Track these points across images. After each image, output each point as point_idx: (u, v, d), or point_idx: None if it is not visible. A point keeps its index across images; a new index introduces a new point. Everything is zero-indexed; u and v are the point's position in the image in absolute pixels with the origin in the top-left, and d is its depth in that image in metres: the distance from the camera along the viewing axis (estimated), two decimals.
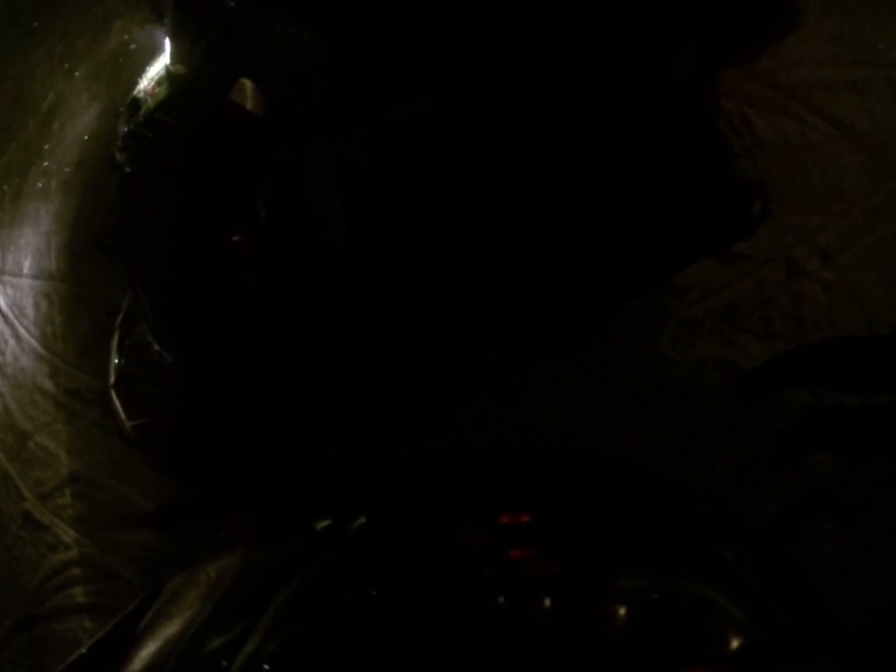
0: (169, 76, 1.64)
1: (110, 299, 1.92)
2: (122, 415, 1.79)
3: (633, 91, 0.77)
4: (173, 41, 1.63)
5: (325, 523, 0.70)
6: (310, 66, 1.46)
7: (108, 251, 1.93)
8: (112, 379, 1.82)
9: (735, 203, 0.99)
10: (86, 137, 2.31)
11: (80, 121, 2.37)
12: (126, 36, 2.39)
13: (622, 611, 0.50)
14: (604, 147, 0.80)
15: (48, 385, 2.23)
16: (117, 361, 1.83)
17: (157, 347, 1.37)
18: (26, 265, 2.39)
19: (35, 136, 2.58)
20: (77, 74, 2.53)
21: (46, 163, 2.46)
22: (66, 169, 2.34)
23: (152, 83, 1.71)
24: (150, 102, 1.69)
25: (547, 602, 0.49)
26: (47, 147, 2.49)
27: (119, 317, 1.81)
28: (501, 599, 0.49)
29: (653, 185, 0.88)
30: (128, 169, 1.79)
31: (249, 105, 1.21)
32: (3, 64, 2.78)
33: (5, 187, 2.57)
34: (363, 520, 0.68)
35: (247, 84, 1.23)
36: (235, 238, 1.27)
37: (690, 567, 0.58)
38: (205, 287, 1.26)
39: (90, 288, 2.12)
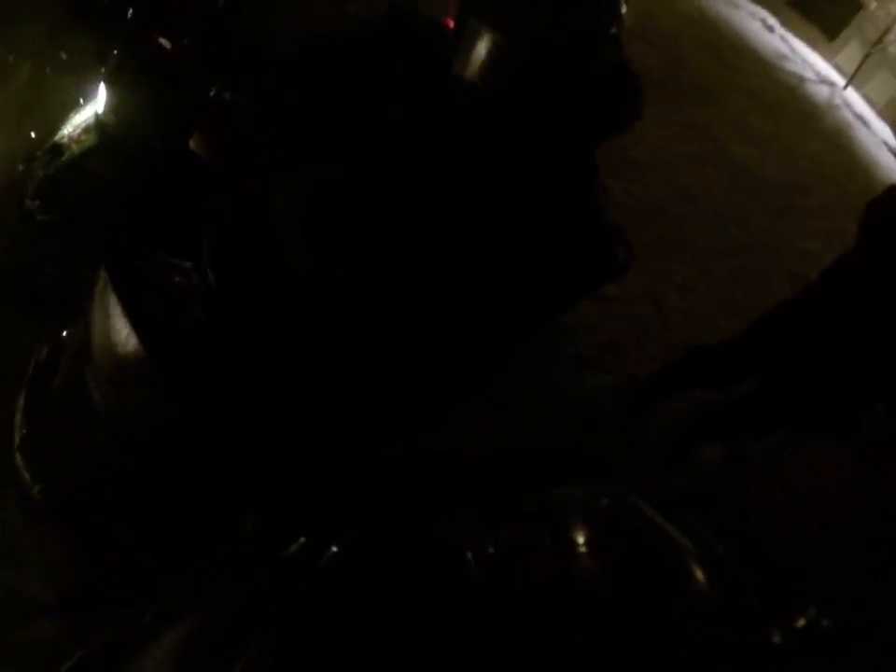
0: (99, 124, 1.62)
1: (20, 356, 1.76)
2: (28, 479, 1.62)
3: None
4: (109, 87, 1.61)
5: (295, 546, 0.66)
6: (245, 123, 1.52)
7: (26, 300, 1.78)
8: (17, 440, 1.66)
9: (602, 251, 1.14)
10: None
11: None
12: (32, 80, 2.29)
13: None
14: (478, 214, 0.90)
15: None
16: (22, 420, 1.67)
17: (92, 393, 1.29)
18: None
19: None
20: None
21: None
22: None
23: (78, 130, 1.67)
24: (75, 149, 1.65)
25: (544, 599, 0.48)
26: None
27: (28, 374, 1.68)
28: (501, 600, 0.48)
29: (529, 241, 1.01)
30: (41, 217, 1.70)
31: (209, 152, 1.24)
32: None
33: None
34: (343, 542, 0.61)
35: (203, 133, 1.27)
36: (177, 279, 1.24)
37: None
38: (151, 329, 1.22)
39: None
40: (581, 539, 0.58)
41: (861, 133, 5.32)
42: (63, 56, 2.14)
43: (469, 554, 0.51)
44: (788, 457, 1.72)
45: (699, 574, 0.56)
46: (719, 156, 3.43)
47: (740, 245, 2.86)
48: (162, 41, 1.60)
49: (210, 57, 1.55)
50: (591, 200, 1.06)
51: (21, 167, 1.88)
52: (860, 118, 5.51)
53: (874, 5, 6.10)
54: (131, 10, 1.65)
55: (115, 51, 1.55)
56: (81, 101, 1.75)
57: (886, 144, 5.45)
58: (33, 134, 2.13)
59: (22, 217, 1.77)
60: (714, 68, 4.34)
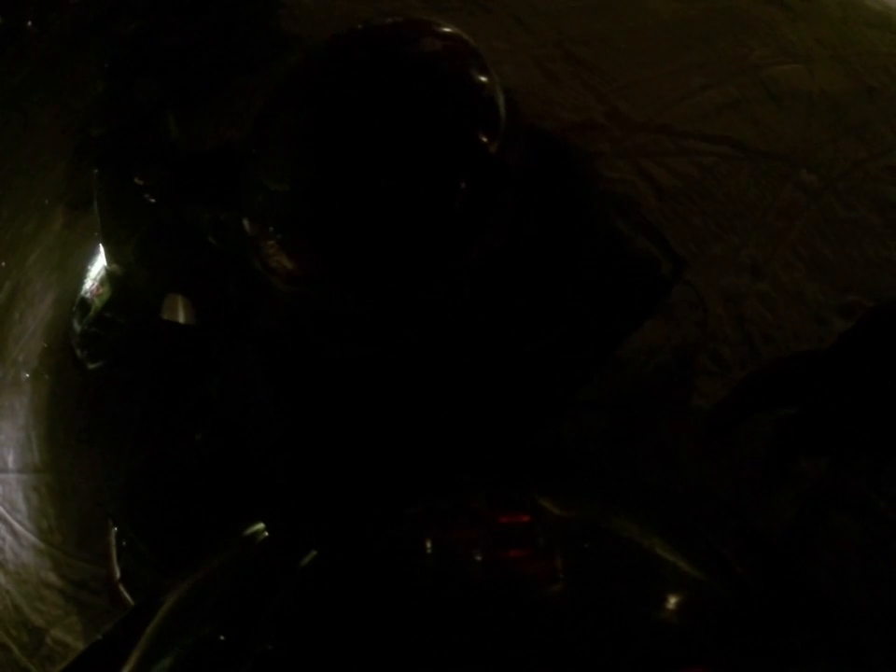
0: (109, 276, 1.69)
1: (98, 488, 1.93)
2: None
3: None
4: (104, 243, 1.68)
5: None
6: (231, 247, 1.51)
7: (87, 444, 1.94)
8: (118, 573, 1.81)
9: (639, 278, 1.01)
10: (46, 327, 2.35)
11: (39, 311, 2.42)
12: (69, 220, 2.47)
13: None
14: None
15: (52, 578, 2.21)
16: (117, 553, 1.82)
17: None
18: (10, 460, 2.40)
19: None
20: (28, 261, 2.59)
21: (12, 355, 2.49)
22: (33, 360, 2.37)
23: (95, 283, 1.75)
24: (97, 302, 1.73)
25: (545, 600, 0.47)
26: (10, 338, 2.52)
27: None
28: (500, 600, 0.46)
29: (569, 283, 0.91)
30: (90, 366, 1.82)
31: (182, 318, 1.25)
32: None
33: None
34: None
35: (176, 298, 1.27)
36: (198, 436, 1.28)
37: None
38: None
39: (76, 478, 2.12)
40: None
41: None
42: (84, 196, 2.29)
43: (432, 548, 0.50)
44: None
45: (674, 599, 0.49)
46: None
47: None
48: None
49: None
50: (608, 235, 0.95)
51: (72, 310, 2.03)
52: None
53: None
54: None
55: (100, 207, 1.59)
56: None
57: None
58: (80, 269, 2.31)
59: (76, 365, 1.90)
60: None
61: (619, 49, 3.70)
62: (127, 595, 1.82)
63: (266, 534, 0.80)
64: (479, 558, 0.51)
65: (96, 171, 1.67)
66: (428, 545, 0.52)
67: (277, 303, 0.93)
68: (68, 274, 2.33)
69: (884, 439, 1.33)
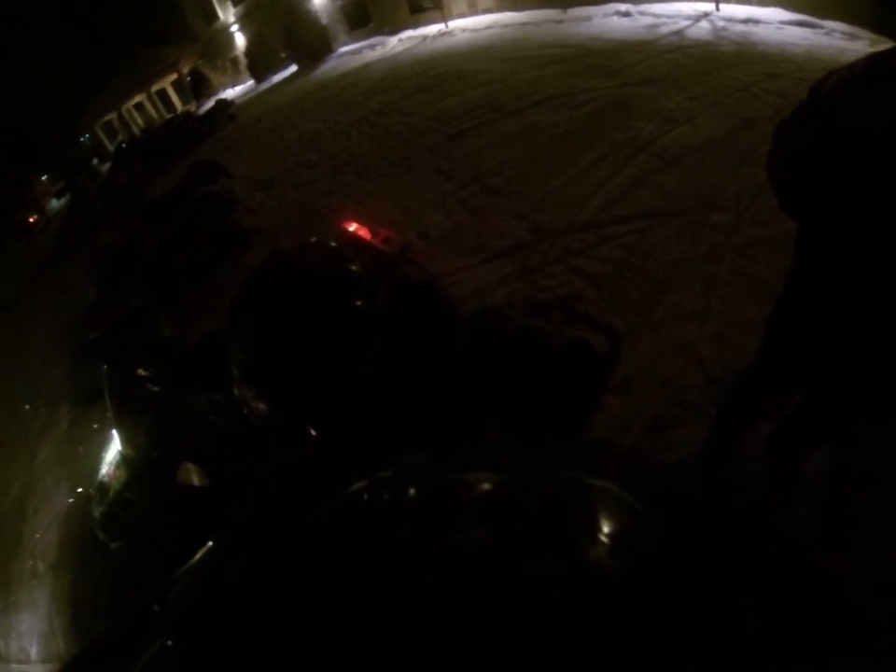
0: (124, 459, 1.93)
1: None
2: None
3: None
4: (118, 429, 1.94)
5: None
6: (228, 422, 1.79)
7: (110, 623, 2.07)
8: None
9: (574, 366, 1.19)
10: (62, 519, 2.52)
11: (53, 503, 2.60)
12: (75, 417, 2.71)
13: None
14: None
15: None
16: None
17: None
18: (33, 651, 2.46)
19: (13, 521, 2.77)
20: (37, 460, 2.80)
21: (28, 548, 2.63)
22: (51, 551, 2.52)
23: (112, 467, 1.99)
24: (115, 484, 1.96)
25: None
26: (25, 533, 2.68)
27: None
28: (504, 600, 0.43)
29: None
30: (112, 546, 2.00)
31: (196, 481, 1.50)
32: None
33: None
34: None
35: (189, 466, 1.53)
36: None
37: None
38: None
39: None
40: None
41: None
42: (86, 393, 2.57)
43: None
44: None
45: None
46: None
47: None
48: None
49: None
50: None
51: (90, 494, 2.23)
52: None
53: None
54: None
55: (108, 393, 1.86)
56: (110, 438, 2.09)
57: None
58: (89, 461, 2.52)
59: (97, 548, 2.07)
60: None
61: (527, 170, 4.18)
62: None
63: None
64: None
65: (105, 367, 1.96)
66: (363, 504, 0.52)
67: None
68: (80, 466, 2.54)
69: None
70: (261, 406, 0.77)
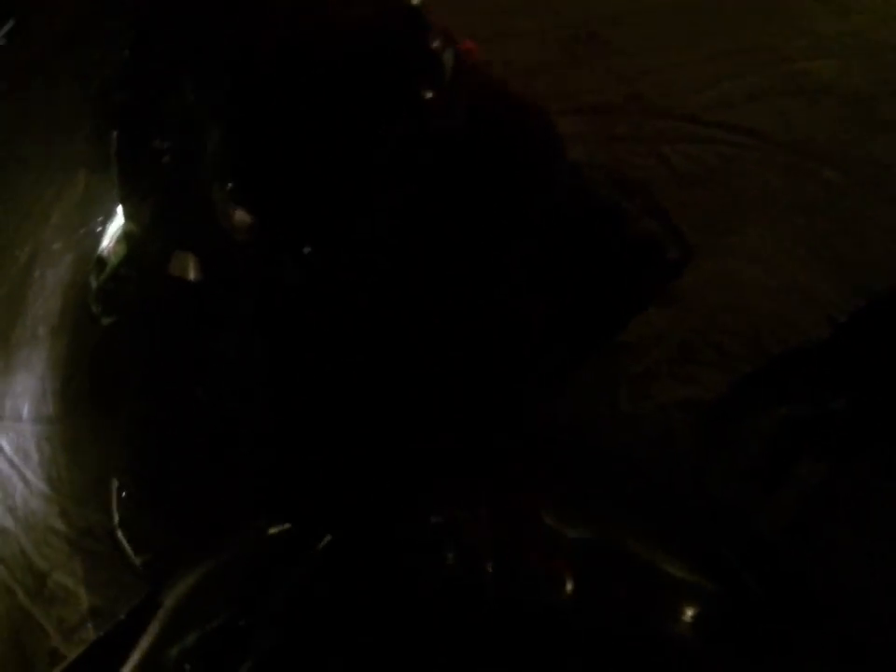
0: (126, 234, 1.77)
1: (103, 440, 2.02)
2: (130, 552, 1.87)
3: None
4: (122, 202, 1.76)
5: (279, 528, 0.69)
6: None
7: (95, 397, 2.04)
8: (116, 518, 1.91)
9: (644, 261, 1.05)
10: (65, 285, 2.44)
11: (58, 270, 2.51)
12: (90, 183, 2.55)
13: None
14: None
15: (59, 524, 2.31)
16: (117, 501, 1.92)
17: None
18: (25, 410, 2.50)
19: (18, 285, 2.72)
20: (50, 222, 2.68)
21: (32, 311, 2.59)
22: (52, 316, 2.47)
23: (113, 242, 1.84)
24: (114, 259, 1.82)
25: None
26: (29, 294, 2.62)
27: None
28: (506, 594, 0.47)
29: (569, 262, 0.96)
30: (104, 321, 1.91)
31: (191, 274, 1.33)
32: None
33: None
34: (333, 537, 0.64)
35: (184, 255, 1.35)
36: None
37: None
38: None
39: (87, 432, 2.22)
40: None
41: None
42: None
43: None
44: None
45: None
46: None
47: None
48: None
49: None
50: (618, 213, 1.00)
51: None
52: None
53: None
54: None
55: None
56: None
57: None
58: (99, 230, 2.40)
59: (92, 320, 1.99)
60: None
61: (646, 32, 3.62)
62: (124, 541, 1.93)
63: (277, 524, 0.82)
64: (489, 564, 0.52)
65: (116, 133, 1.75)
66: (442, 548, 0.54)
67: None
68: (87, 235, 2.41)
69: (885, 433, 1.32)
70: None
